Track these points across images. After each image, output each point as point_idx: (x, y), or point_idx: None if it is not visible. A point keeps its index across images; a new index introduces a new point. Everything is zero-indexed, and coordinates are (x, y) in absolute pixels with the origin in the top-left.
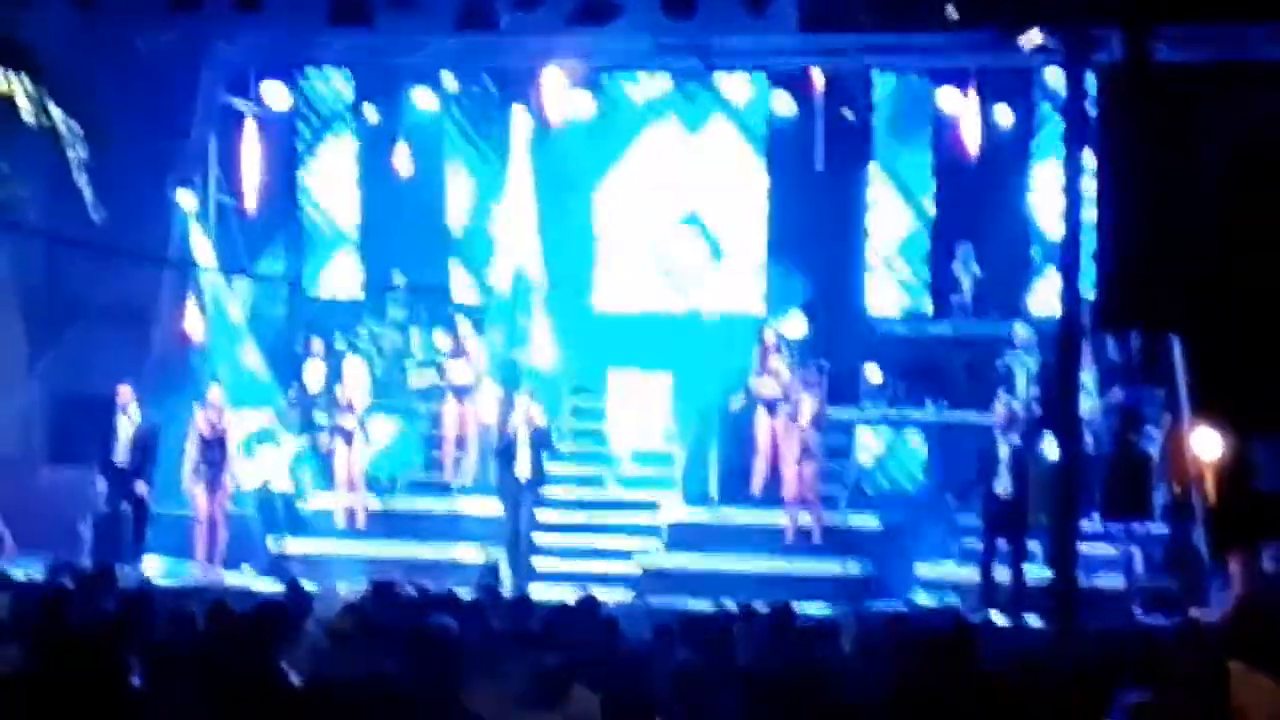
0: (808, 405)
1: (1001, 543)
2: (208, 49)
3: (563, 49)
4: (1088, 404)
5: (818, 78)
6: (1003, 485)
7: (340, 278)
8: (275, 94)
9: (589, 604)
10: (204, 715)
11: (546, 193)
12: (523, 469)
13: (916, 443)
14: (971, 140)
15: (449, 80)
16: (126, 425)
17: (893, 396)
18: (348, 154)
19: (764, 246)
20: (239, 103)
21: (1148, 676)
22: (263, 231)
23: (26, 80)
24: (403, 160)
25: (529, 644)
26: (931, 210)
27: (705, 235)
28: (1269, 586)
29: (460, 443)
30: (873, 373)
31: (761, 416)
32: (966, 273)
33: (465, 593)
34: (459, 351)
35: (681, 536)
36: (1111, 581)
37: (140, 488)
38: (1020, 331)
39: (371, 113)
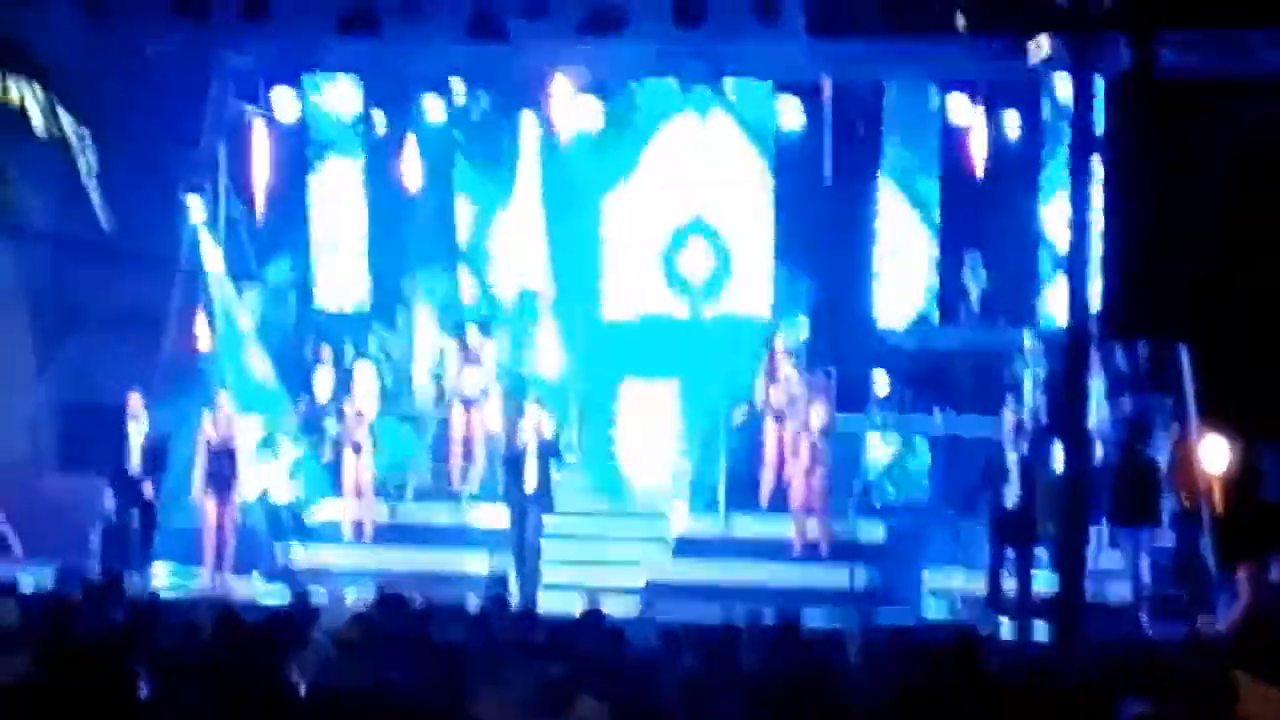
0: (817, 413)
1: (1009, 552)
2: (217, 57)
3: (571, 58)
4: (1095, 413)
5: (826, 86)
6: (1010, 494)
7: (349, 286)
8: (284, 102)
9: (595, 614)
10: None
11: (554, 201)
12: (530, 479)
13: (923, 451)
14: (979, 149)
15: (458, 88)
16: (137, 433)
17: (900, 405)
18: (356, 162)
19: (772, 254)
20: (248, 110)
21: (1154, 686)
22: (272, 239)
23: (36, 88)
24: (411, 168)
25: (535, 654)
26: (939, 218)
27: (713, 243)
28: (1276, 596)
29: (468, 452)
30: (880, 381)
31: (770, 425)
32: (974, 281)
33: (473, 603)
34: (467, 360)
35: (689, 546)
36: (1119, 591)
37: (149, 496)
38: (1028, 340)
39: (380, 121)
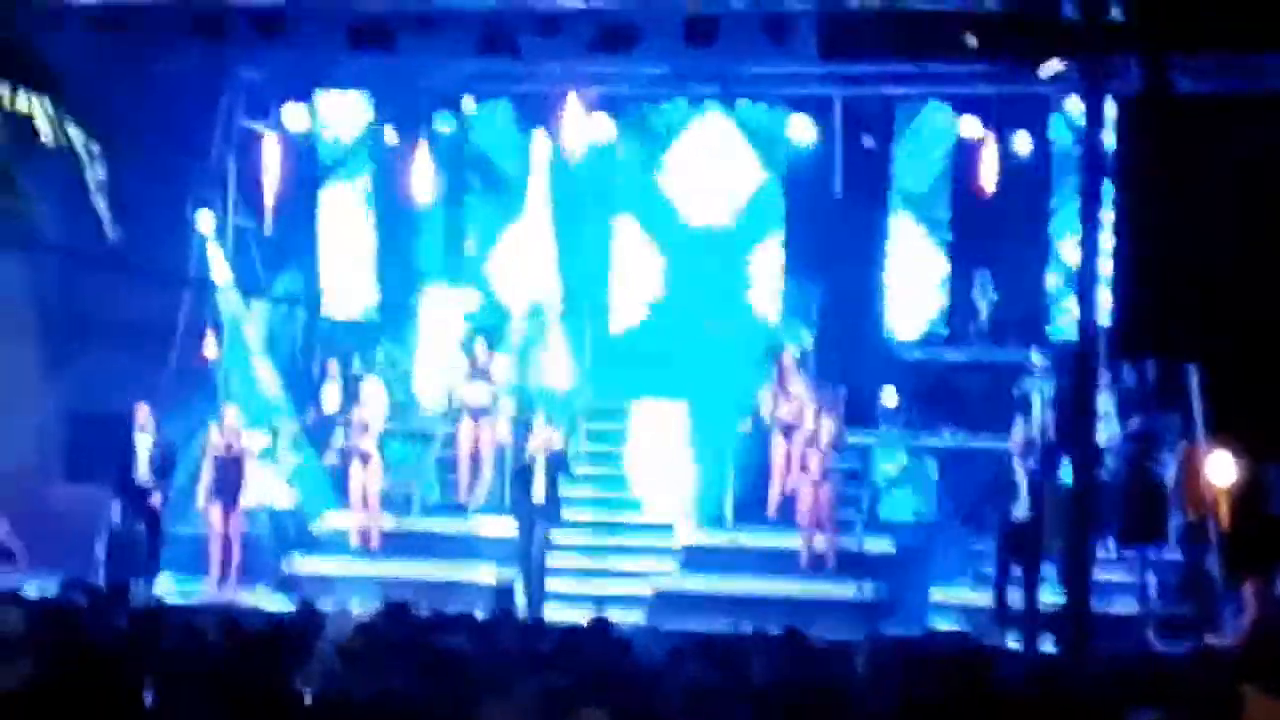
0: (826, 427)
1: (1016, 567)
2: (228, 71)
3: (583, 75)
4: (1104, 430)
5: (837, 105)
6: (1019, 510)
7: (357, 299)
8: (295, 116)
9: (602, 624)
10: None
11: (565, 216)
12: (538, 491)
13: (931, 466)
14: (990, 168)
15: (469, 104)
16: (144, 444)
17: (909, 420)
18: (366, 177)
19: (782, 268)
20: (258, 125)
21: (1160, 701)
22: (280, 252)
23: (46, 100)
24: (421, 183)
25: (541, 664)
26: (950, 236)
27: (722, 257)
28: None
29: (475, 464)
30: (889, 397)
31: (777, 438)
32: (984, 299)
33: (479, 613)
34: (475, 373)
35: (696, 559)
36: (1126, 607)
37: (155, 506)
38: (1037, 358)
39: (391, 136)
